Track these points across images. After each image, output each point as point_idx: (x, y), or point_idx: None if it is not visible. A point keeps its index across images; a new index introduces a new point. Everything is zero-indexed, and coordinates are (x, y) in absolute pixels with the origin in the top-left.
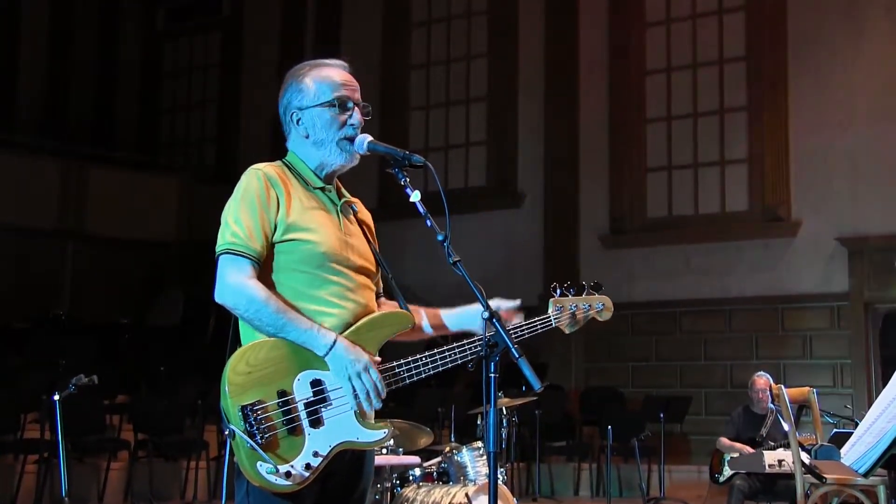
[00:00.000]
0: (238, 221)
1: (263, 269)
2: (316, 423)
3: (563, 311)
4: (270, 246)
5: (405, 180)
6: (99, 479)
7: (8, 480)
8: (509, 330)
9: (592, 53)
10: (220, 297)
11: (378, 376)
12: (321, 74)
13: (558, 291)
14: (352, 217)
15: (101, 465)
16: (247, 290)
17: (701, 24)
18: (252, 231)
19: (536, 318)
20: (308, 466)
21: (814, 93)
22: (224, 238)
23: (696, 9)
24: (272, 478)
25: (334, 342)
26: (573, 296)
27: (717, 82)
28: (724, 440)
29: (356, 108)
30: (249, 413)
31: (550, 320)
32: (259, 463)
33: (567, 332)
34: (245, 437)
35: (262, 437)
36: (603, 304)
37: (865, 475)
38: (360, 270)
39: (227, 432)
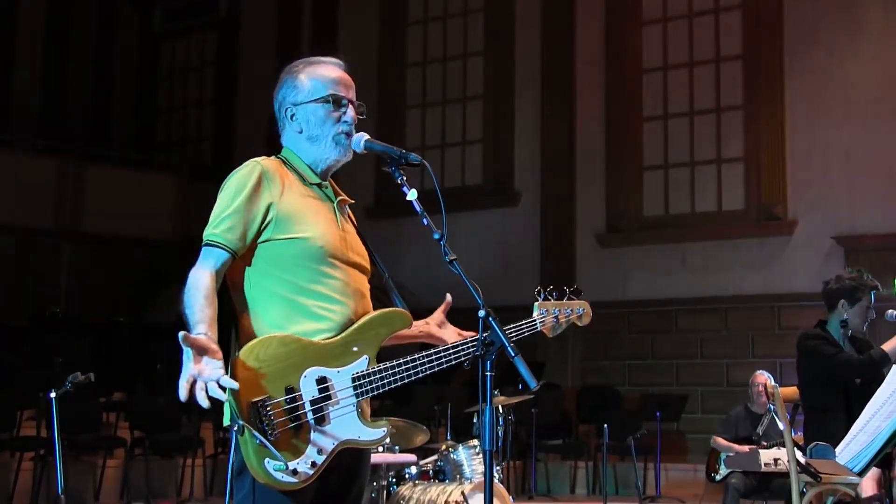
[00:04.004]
0: (222, 212)
1: (264, 264)
2: (321, 420)
3: (548, 314)
4: (257, 237)
5: (402, 179)
6: (95, 476)
7: (4, 478)
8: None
9: (589, 52)
10: None
11: (213, 382)
12: (316, 71)
13: (542, 295)
14: (346, 215)
15: (97, 463)
16: (190, 277)
17: (698, 23)
18: (233, 222)
19: (523, 321)
20: (313, 464)
21: (810, 91)
22: (206, 229)
23: (692, 7)
24: (279, 475)
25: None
26: (555, 300)
27: (713, 81)
28: (720, 440)
29: (350, 105)
30: (260, 409)
31: (536, 323)
32: (267, 460)
33: (549, 335)
34: (256, 432)
35: (271, 434)
36: (583, 310)
37: (860, 474)
38: (357, 267)
39: (235, 428)
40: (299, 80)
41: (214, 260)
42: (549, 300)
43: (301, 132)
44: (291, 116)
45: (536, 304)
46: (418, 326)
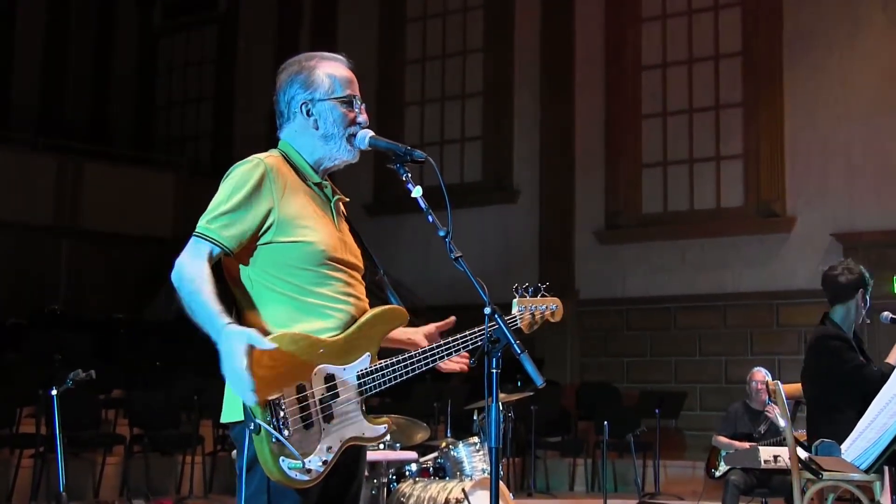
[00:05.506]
0: (219, 206)
1: (265, 265)
2: (329, 418)
3: (525, 311)
4: (257, 239)
5: (407, 176)
6: (94, 473)
7: (4, 475)
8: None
9: (588, 49)
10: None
11: (246, 370)
12: (333, 69)
13: (519, 292)
14: (341, 213)
15: (96, 460)
16: (184, 267)
17: (697, 20)
18: (230, 220)
19: (507, 317)
20: (324, 462)
21: (809, 88)
22: (200, 221)
23: (692, 4)
24: (294, 473)
25: (227, 325)
26: (531, 297)
27: (712, 78)
28: (721, 438)
29: (362, 106)
30: (276, 408)
31: (516, 320)
32: (282, 458)
33: (527, 332)
34: (273, 431)
35: (287, 432)
36: (556, 306)
37: (867, 471)
38: (354, 268)
39: (251, 427)
40: (316, 75)
41: (207, 253)
42: (526, 297)
43: (318, 129)
44: (308, 112)
45: (515, 300)
46: (408, 334)
